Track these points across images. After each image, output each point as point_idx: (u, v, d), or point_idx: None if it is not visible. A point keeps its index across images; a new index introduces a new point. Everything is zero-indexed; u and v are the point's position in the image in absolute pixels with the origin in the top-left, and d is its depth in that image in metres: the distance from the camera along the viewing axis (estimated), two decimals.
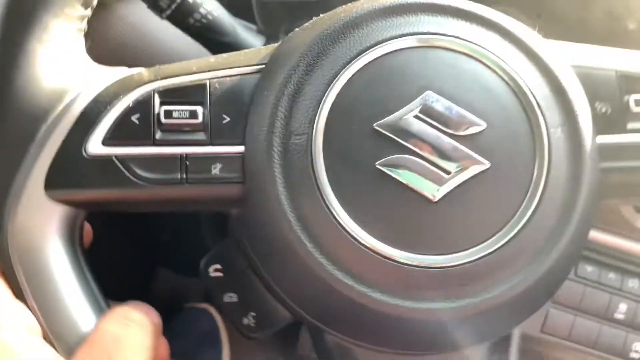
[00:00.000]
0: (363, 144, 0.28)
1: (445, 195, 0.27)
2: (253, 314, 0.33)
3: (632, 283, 0.49)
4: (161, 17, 0.41)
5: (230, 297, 0.33)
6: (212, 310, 0.87)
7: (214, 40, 0.42)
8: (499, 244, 0.27)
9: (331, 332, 0.30)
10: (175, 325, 0.89)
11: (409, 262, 0.27)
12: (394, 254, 0.27)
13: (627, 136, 0.30)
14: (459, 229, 0.27)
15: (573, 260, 0.30)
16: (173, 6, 0.40)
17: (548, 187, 0.28)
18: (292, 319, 0.32)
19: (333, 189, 0.27)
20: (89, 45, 0.43)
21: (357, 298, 0.27)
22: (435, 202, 0.27)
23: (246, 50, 0.32)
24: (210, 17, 0.41)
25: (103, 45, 0.46)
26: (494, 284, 0.27)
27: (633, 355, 0.49)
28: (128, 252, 0.74)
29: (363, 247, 0.27)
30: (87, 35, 0.32)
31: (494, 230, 0.27)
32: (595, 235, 0.47)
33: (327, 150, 0.28)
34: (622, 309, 0.49)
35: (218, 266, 0.34)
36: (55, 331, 0.29)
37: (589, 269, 0.49)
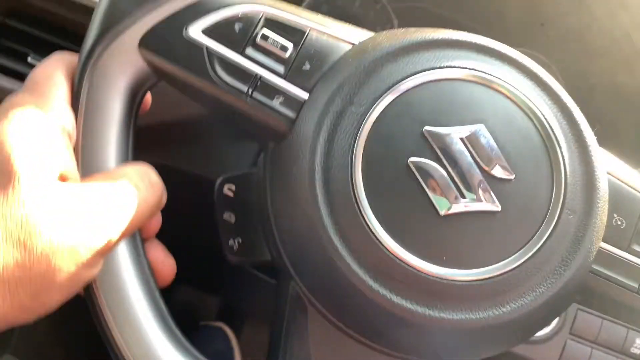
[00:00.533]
0: (406, 139, 0.31)
1: (451, 215, 0.30)
2: (240, 239, 0.36)
3: None
4: None
5: (229, 217, 0.36)
6: (227, 330, 0.88)
7: None
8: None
9: (299, 285, 0.33)
10: (191, 340, 0.90)
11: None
12: (398, 251, 0.30)
13: (627, 255, 0.34)
14: (453, 249, 0.30)
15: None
16: None
17: (544, 247, 0.30)
18: (269, 260, 0.35)
19: (362, 168, 0.30)
20: None
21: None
22: (441, 216, 0.30)
23: (350, 26, 0.35)
24: None
25: None
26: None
27: None
28: None
29: (373, 237, 0.29)
30: None
31: (482, 266, 0.30)
32: None
33: (374, 128, 0.31)
34: (638, 344, 0.50)
35: (232, 187, 0.37)
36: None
37: None
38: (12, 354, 0.60)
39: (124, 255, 0.33)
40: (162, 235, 0.73)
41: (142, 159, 0.34)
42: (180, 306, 0.91)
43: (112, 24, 0.32)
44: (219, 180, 0.38)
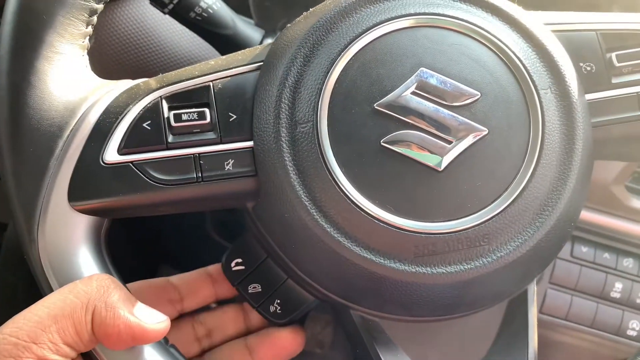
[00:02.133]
0: (366, 124, 0.29)
1: (449, 164, 0.29)
2: (278, 301, 0.34)
3: (626, 262, 0.50)
4: (163, 12, 0.42)
5: (255, 288, 0.35)
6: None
7: (214, 33, 0.44)
8: (505, 204, 0.28)
9: (355, 308, 0.32)
10: None
11: (423, 231, 0.28)
12: (407, 225, 0.28)
13: (613, 91, 0.32)
14: (466, 194, 0.29)
15: (577, 211, 0.31)
16: (175, 1, 0.41)
17: (545, 146, 0.29)
18: (316, 302, 0.34)
19: (343, 171, 0.29)
20: (93, 43, 0.44)
21: (377, 269, 0.28)
22: (441, 171, 0.29)
23: (244, 50, 0.34)
24: (210, 10, 0.42)
25: (107, 42, 0.47)
26: (506, 243, 0.28)
27: (630, 332, 0.50)
28: (132, 251, 0.75)
29: (378, 222, 0.28)
30: (92, 35, 0.33)
31: (498, 192, 0.29)
32: (588, 216, 0.49)
33: (333, 134, 0.29)
34: (617, 288, 0.50)
35: (239, 260, 0.35)
36: None
37: (584, 249, 0.51)
38: None
39: None
40: (149, 219, 0.72)
41: None
42: None
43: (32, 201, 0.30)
44: (223, 262, 0.36)
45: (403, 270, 0.28)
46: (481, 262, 0.28)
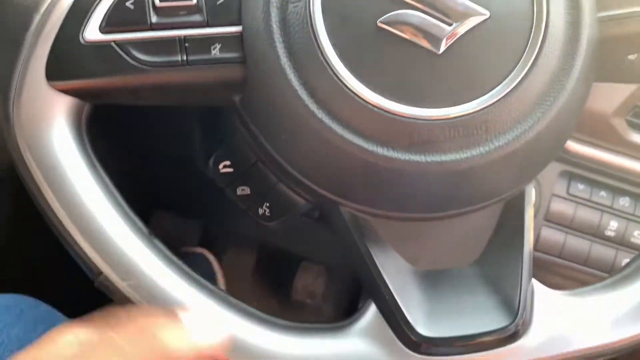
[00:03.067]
0: (362, 3, 0.27)
1: (448, 48, 0.27)
2: (267, 204, 0.33)
3: (622, 201, 0.50)
4: None
5: (243, 190, 0.33)
6: (209, 255, 0.88)
7: None
8: (506, 91, 0.27)
9: (346, 204, 0.30)
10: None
11: (419, 116, 0.27)
12: (403, 111, 0.27)
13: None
14: (466, 80, 0.27)
15: (579, 108, 0.30)
16: None
17: (549, 34, 0.27)
18: (305, 205, 0.33)
19: (337, 53, 0.27)
20: None
21: (370, 158, 0.27)
22: (440, 54, 0.27)
23: None
24: None
25: None
26: (504, 132, 0.27)
27: None
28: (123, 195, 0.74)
29: (372, 107, 0.27)
30: None
31: (499, 78, 0.27)
32: (586, 150, 0.48)
33: (327, 14, 0.27)
34: (612, 227, 0.50)
35: (227, 162, 0.34)
36: (79, 224, 0.29)
37: (580, 187, 0.50)
38: None
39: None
40: (141, 161, 0.71)
41: None
42: (159, 233, 0.90)
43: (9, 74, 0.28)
44: (211, 164, 0.34)
45: (396, 158, 0.27)
46: (478, 151, 0.27)
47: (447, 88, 0.27)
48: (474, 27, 0.27)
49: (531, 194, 0.30)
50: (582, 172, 0.50)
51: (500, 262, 0.30)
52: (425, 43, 0.27)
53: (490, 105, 0.27)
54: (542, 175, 0.50)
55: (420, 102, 0.27)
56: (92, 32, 0.29)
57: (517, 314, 0.28)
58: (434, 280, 0.30)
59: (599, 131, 0.46)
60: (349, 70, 0.27)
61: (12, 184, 0.41)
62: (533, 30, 0.27)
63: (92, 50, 0.29)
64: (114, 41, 0.29)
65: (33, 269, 0.64)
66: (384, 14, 0.27)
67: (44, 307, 0.47)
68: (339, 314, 0.87)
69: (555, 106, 0.27)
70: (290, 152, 0.30)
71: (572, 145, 0.48)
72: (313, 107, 0.27)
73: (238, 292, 0.77)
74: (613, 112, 0.45)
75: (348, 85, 0.27)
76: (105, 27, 0.29)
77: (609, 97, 0.45)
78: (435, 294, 0.30)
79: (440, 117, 0.27)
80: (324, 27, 0.27)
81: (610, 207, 0.50)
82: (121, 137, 0.64)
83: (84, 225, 0.30)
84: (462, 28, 0.27)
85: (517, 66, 0.27)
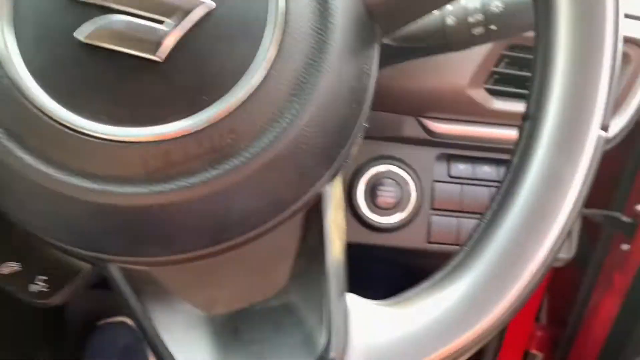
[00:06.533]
0: (58, 17, 0.23)
1: (172, 52, 0.22)
2: (43, 277, 0.28)
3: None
4: None
5: (12, 267, 0.28)
6: (130, 322, 0.82)
7: None
8: (250, 87, 0.23)
9: (107, 258, 0.25)
10: (95, 342, 0.83)
11: (148, 138, 0.22)
12: (126, 135, 0.22)
13: None
14: (200, 85, 0.23)
15: (350, 87, 0.25)
16: None
17: (291, 10, 0.23)
18: (90, 269, 0.28)
19: (40, 84, 0.22)
20: None
21: (106, 200, 0.22)
22: (163, 62, 0.22)
23: None
24: None
25: None
26: (259, 136, 0.23)
27: None
28: None
29: (90, 139, 0.22)
30: None
31: (240, 75, 0.23)
32: (453, 128, 0.45)
33: (20, 35, 0.23)
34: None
35: None
36: None
37: (461, 167, 0.47)
38: None
39: None
40: None
41: None
42: (79, 308, 0.83)
43: None
44: None
45: (136, 194, 0.22)
46: (232, 164, 0.22)
47: (178, 98, 0.23)
48: (200, 22, 0.22)
49: (330, 195, 0.26)
50: (459, 151, 0.47)
51: (307, 284, 0.25)
52: (141, 52, 0.23)
53: (235, 108, 0.23)
54: (419, 163, 0.48)
55: (146, 122, 0.22)
56: None
57: (327, 346, 0.23)
58: (236, 322, 0.26)
59: (460, 106, 0.44)
60: (53, 98, 0.22)
61: None
62: (271, 11, 0.23)
63: None
64: None
65: None
66: (80, 24, 0.22)
67: None
68: None
69: (316, 92, 0.23)
70: (22, 209, 0.25)
71: (439, 126, 0.45)
72: (20, 152, 0.23)
73: None
74: (468, 83, 0.43)
75: (55, 117, 0.22)
76: None
77: (461, 69, 0.43)
78: (234, 342, 0.25)
79: (175, 134, 0.22)
80: (17, 52, 0.23)
81: (497, 180, 0.47)
82: None
83: None
84: (185, 26, 0.23)
85: (258, 57, 0.23)
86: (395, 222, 0.46)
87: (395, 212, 0.46)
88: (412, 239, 0.47)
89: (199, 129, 0.22)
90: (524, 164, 0.24)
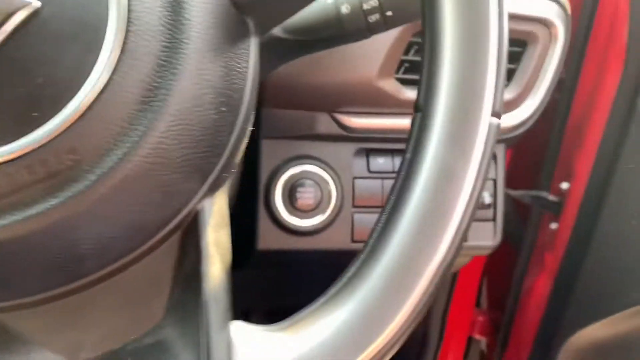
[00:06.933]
0: None
1: None
2: None
3: None
4: None
5: None
6: None
7: None
8: (91, 96, 0.20)
9: None
10: None
11: None
12: None
13: None
14: (28, 99, 0.20)
15: (229, 83, 0.23)
16: None
17: (135, 17, 0.20)
18: None
19: None
20: None
21: None
22: None
23: None
24: None
25: None
26: (106, 154, 0.20)
27: None
28: None
29: None
30: None
31: (77, 83, 0.20)
32: (367, 122, 0.43)
33: None
34: None
35: None
36: None
37: (380, 161, 0.46)
38: None
39: None
40: None
41: None
42: None
43: None
44: None
45: None
46: (75, 189, 0.20)
47: (4, 117, 0.20)
48: (24, 24, 0.20)
49: (209, 212, 0.23)
50: (377, 145, 0.46)
51: (184, 316, 0.22)
52: None
53: (72, 124, 0.19)
54: (337, 160, 0.46)
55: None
56: None
57: None
58: None
59: (371, 98, 0.42)
60: None
61: None
62: (111, 7, 0.20)
63: None
64: None
65: None
66: None
67: None
68: None
69: (172, 97, 0.21)
70: None
71: (353, 120, 0.43)
72: None
73: None
74: (377, 74, 0.41)
75: None
76: None
77: (368, 60, 0.41)
78: None
79: (3, 160, 0.19)
80: None
81: None
82: None
83: None
84: (5, 29, 0.19)
85: (99, 60, 0.20)
86: (317, 224, 0.44)
87: (316, 214, 0.44)
88: (335, 240, 0.45)
89: (24, 152, 0.19)
90: (416, 158, 0.22)
